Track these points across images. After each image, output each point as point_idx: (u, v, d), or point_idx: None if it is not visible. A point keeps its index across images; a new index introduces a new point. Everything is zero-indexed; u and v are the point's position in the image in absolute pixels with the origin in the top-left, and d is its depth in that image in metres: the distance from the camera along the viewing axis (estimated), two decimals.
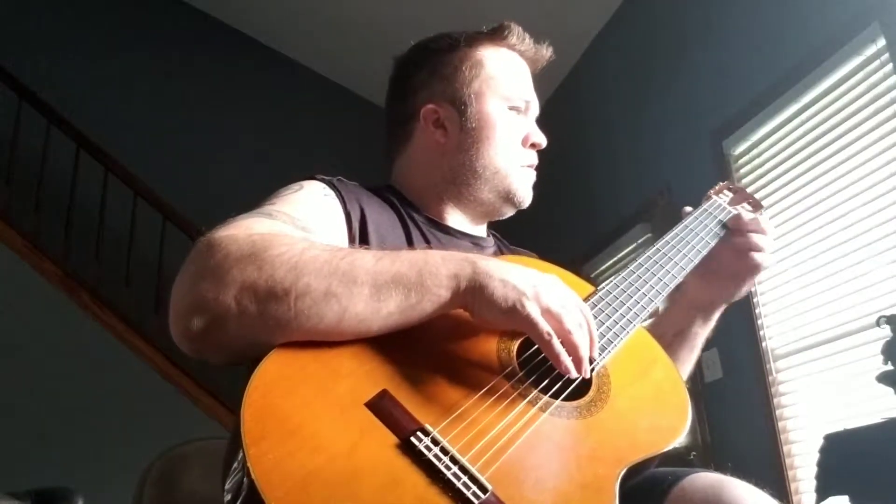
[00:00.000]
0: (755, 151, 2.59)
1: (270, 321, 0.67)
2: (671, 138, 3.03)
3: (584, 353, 0.73)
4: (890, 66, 2.05)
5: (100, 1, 4.45)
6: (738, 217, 1.07)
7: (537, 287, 0.72)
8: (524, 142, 1.04)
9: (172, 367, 3.50)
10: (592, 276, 3.46)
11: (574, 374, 0.72)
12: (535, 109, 1.07)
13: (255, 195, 0.90)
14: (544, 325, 0.71)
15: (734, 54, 2.68)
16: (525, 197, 1.05)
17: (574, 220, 3.77)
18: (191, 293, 0.68)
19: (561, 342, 0.72)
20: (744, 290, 1.07)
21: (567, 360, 0.71)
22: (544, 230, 3.98)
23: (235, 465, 0.63)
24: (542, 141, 1.06)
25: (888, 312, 1.71)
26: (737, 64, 2.66)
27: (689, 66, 2.93)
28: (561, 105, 3.76)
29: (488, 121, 1.02)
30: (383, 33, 4.05)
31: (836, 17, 2.23)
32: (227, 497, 0.65)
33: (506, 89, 1.03)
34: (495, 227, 1.14)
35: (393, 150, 1.10)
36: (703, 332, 1.09)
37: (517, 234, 1.17)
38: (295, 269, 0.68)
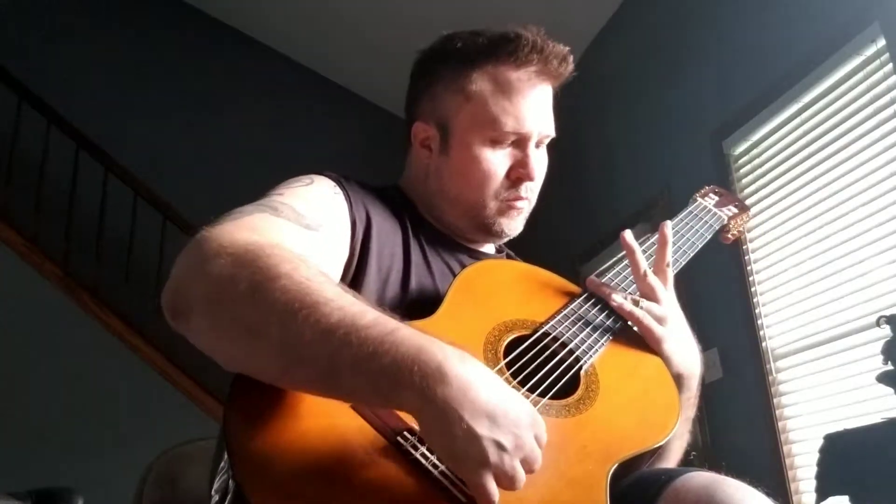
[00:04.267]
0: (755, 151, 2.58)
1: (217, 335, 0.68)
2: (671, 138, 3.02)
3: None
4: (890, 66, 2.05)
5: (99, 1, 4.45)
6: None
7: (505, 448, 0.59)
8: (510, 174, 0.97)
9: (172, 367, 3.50)
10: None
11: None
12: (536, 135, 0.97)
13: (255, 195, 0.90)
14: (492, 498, 0.59)
15: (734, 54, 2.67)
16: (506, 230, 0.99)
17: (574, 220, 3.76)
18: (177, 278, 0.71)
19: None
20: (665, 351, 0.90)
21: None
22: (544, 230, 3.98)
23: (223, 464, 0.63)
24: (530, 175, 0.96)
25: (888, 312, 1.71)
26: (737, 64, 2.66)
27: (689, 65, 2.93)
28: (560, 105, 3.76)
29: (465, 156, 0.96)
30: (383, 33, 4.05)
31: (836, 17, 2.22)
32: (215, 498, 0.65)
33: (490, 121, 0.94)
34: None
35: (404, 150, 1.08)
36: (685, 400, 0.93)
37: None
38: (256, 293, 0.64)
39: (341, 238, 0.87)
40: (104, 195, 3.73)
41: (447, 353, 0.61)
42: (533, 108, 0.97)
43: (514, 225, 1.00)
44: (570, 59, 0.98)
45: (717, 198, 1.17)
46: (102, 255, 3.68)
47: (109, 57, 4.36)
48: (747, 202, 2.51)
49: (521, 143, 0.97)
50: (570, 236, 3.73)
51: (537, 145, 0.99)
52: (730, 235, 1.16)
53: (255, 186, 0.94)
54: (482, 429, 0.59)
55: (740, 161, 2.65)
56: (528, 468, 0.61)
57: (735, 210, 1.16)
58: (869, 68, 2.14)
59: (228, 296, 0.66)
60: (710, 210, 1.13)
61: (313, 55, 4.68)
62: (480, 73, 0.96)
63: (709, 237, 1.08)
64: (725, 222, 1.14)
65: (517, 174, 0.97)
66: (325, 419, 0.64)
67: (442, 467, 0.63)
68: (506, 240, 1.03)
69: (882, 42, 2.08)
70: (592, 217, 3.60)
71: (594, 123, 3.67)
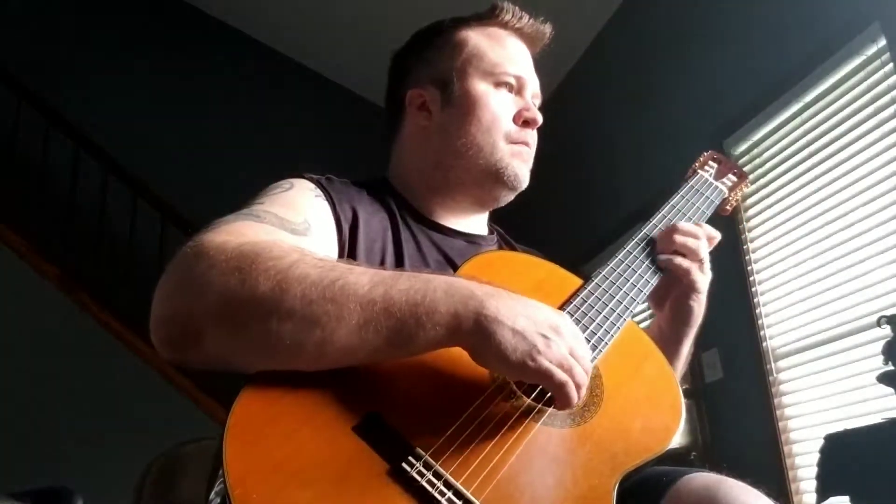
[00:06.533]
0: (756, 151, 2.58)
1: (248, 342, 0.64)
2: (671, 138, 3.02)
3: (580, 400, 0.71)
4: (890, 66, 2.05)
5: (99, 1, 4.45)
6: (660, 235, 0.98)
7: (548, 336, 0.67)
8: (516, 119, 0.97)
9: (172, 367, 3.49)
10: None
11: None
12: (531, 87, 1.00)
13: (256, 194, 0.89)
14: (560, 376, 0.67)
15: (734, 54, 2.67)
16: (516, 175, 0.97)
17: (574, 220, 3.77)
18: (171, 302, 0.66)
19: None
20: (694, 308, 0.96)
21: (574, 403, 0.69)
22: (544, 230, 3.99)
23: (222, 470, 0.62)
24: (536, 117, 0.98)
25: (889, 312, 1.71)
26: (737, 64, 2.65)
27: (689, 65, 2.93)
28: (561, 105, 3.76)
29: (470, 97, 0.96)
30: (382, 31, 4.04)
31: (837, 17, 2.22)
32: (216, 501, 0.64)
33: (491, 65, 0.97)
34: (498, 224, 1.11)
35: (389, 143, 1.06)
36: (684, 348, 0.99)
37: (516, 233, 1.16)
38: (279, 286, 0.63)
39: (329, 239, 0.85)
40: (104, 195, 3.73)
41: (474, 286, 0.69)
42: (525, 59, 1.01)
43: (524, 171, 0.99)
44: (548, 26, 1.03)
45: (715, 166, 1.13)
46: (102, 255, 3.68)
47: (109, 56, 4.36)
48: (747, 201, 2.53)
49: (520, 90, 0.99)
50: (570, 236, 3.72)
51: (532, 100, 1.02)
52: (728, 207, 1.12)
53: (255, 186, 0.94)
54: (527, 324, 0.67)
55: (741, 161, 2.64)
56: (580, 370, 0.68)
57: (734, 179, 1.12)
58: (869, 68, 2.14)
59: (248, 298, 0.63)
60: (710, 183, 1.09)
61: (314, 55, 4.68)
62: (473, 30, 1.00)
63: (710, 213, 1.05)
64: (726, 195, 1.10)
65: (524, 117, 0.98)
66: (327, 446, 0.61)
67: (449, 494, 0.60)
68: (515, 193, 1.00)
69: (882, 42, 2.07)
70: (592, 217, 3.60)
71: (594, 123, 3.67)
